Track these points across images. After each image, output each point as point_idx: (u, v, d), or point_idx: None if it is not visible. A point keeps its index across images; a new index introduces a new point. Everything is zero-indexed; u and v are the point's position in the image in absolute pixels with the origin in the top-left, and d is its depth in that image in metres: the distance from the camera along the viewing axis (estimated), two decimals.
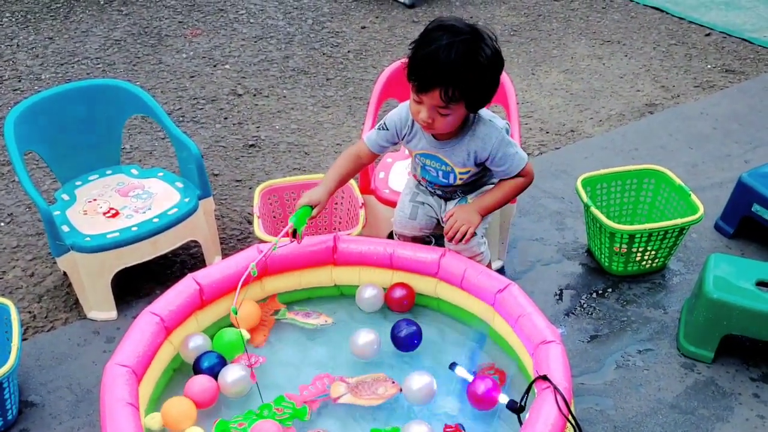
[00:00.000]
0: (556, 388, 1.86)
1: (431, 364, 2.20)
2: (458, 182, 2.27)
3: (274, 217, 2.75)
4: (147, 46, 4.39)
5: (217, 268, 2.26)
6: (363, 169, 2.40)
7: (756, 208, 2.82)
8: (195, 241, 2.69)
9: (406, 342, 2.22)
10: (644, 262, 2.71)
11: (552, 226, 3.01)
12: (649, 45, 4.53)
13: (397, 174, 2.75)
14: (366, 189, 2.69)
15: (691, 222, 2.59)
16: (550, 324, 2.07)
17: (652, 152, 3.49)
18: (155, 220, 2.52)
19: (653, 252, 2.67)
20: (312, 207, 2.19)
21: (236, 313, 2.03)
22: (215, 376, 2.07)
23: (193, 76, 4.08)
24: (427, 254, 2.31)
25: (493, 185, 2.31)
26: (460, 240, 2.19)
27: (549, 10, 4.98)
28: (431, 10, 4.91)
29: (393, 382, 2.08)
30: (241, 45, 4.44)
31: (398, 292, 2.34)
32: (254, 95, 3.92)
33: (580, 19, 4.87)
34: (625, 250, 2.64)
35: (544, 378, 1.90)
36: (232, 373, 2.06)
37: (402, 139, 2.27)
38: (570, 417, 1.85)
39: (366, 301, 2.35)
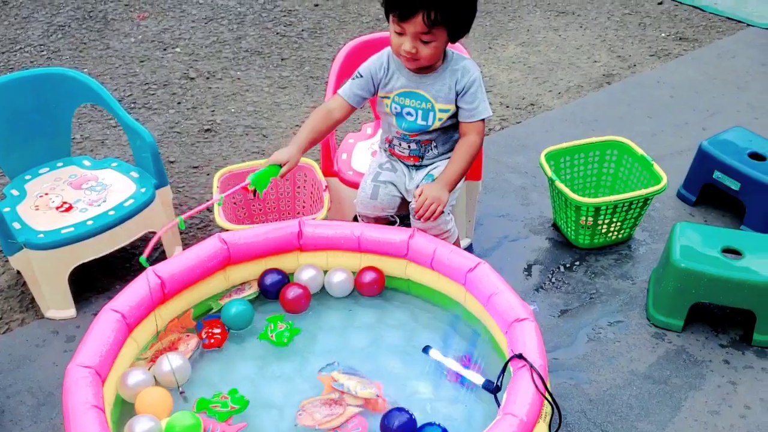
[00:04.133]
0: (532, 366, 1.84)
1: (404, 348, 2.16)
2: (437, 124, 2.24)
3: (235, 203, 2.68)
4: (93, 30, 4.23)
5: (177, 260, 2.18)
6: (336, 126, 2.33)
7: (717, 175, 2.84)
8: (153, 233, 2.60)
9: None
10: (610, 234, 2.71)
11: (517, 202, 2.99)
12: (603, 15, 4.53)
13: (360, 155, 2.69)
14: (329, 171, 2.63)
15: (655, 192, 2.60)
16: (523, 301, 2.05)
17: (611, 123, 3.49)
18: (111, 212, 2.43)
19: (619, 223, 2.67)
20: (280, 166, 2.14)
21: (146, 264, 1.93)
22: None
23: (143, 61, 3.95)
24: (395, 235, 2.27)
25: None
26: (429, 218, 2.16)
27: None
28: None
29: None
30: (191, 27, 4.30)
31: (368, 276, 2.29)
32: (207, 78, 3.81)
33: None
34: (591, 222, 2.64)
35: (520, 357, 1.88)
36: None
37: (378, 85, 2.25)
38: (547, 395, 1.83)
39: (335, 286, 2.29)
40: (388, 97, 2.26)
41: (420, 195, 2.16)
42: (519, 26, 4.40)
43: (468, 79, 2.19)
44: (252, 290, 2.30)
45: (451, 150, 2.31)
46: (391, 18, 2.08)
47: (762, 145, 2.83)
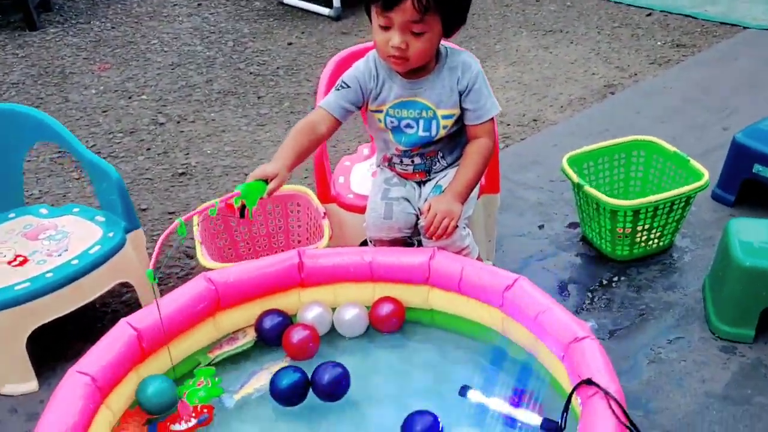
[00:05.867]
0: (607, 393, 1.48)
1: (437, 392, 1.78)
2: (441, 133, 1.93)
3: (220, 245, 2.32)
4: (50, 85, 3.90)
5: (156, 308, 1.79)
6: (321, 143, 1.99)
7: (757, 168, 2.54)
8: (127, 284, 2.23)
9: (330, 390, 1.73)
10: (651, 242, 2.38)
11: (537, 218, 2.66)
12: (593, 30, 4.30)
13: (359, 177, 2.35)
14: (326, 197, 2.28)
15: (698, 188, 2.29)
16: (576, 317, 1.70)
17: (623, 131, 3.17)
18: (74, 262, 2.05)
19: (660, 229, 2.34)
20: (267, 182, 1.75)
21: (153, 279, 1.59)
22: None
23: (105, 111, 3.61)
24: (413, 257, 1.91)
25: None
26: (442, 236, 1.83)
27: (482, 8, 4.73)
28: (360, 21, 4.57)
29: None
30: (157, 74, 3.99)
31: (385, 309, 1.91)
32: (178, 122, 3.48)
33: (516, 13, 4.63)
34: (630, 230, 2.31)
35: (589, 382, 1.52)
36: None
37: (369, 96, 1.92)
38: (631, 425, 1.46)
39: (347, 325, 1.92)
40: (380, 111, 1.93)
41: (428, 210, 1.83)
42: (507, 47, 4.15)
43: (470, 75, 1.89)
44: (247, 338, 1.93)
45: (461, 157, 1.98)
46: (374, 10, 1.76)
47: None
